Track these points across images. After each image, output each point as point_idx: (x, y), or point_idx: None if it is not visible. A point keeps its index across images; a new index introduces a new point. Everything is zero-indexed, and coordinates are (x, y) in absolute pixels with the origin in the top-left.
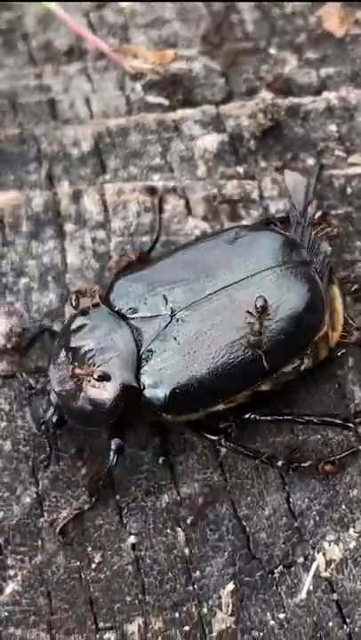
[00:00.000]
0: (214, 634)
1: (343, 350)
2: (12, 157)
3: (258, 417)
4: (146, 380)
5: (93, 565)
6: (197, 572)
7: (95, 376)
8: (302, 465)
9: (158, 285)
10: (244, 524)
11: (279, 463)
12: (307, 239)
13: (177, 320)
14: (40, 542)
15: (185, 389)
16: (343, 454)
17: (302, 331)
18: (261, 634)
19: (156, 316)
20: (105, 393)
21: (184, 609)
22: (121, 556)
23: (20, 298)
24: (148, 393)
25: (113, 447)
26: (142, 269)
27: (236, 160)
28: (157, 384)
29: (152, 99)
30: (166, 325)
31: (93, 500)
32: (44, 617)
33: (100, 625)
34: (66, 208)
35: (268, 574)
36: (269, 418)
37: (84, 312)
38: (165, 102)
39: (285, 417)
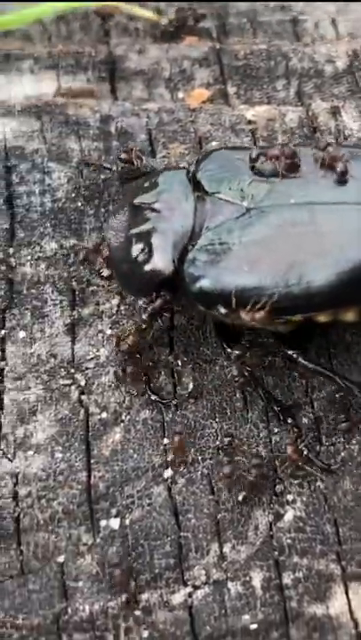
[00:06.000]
0: None
1: None
2: (259, 73)
3: (300, 359)
4: (193, 262)
5: None
6: None
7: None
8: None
9: (248, 174)
10: None
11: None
12: None
13: (250, 216)
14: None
15: (227, 288)
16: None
17: None
18: None
19: (233, 203)
20: (148, 261)
21: None
22: None
23: None
24: (188, 276)
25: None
26: (245, 150)
27: None
28: (203, 271)
29: None
30: (238, 217)
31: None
32: (333, 546)
33: None
34: (324, 124)
35: None
36: (311, 366)
37: (163, 171)
38: None
39: (327, 372)
